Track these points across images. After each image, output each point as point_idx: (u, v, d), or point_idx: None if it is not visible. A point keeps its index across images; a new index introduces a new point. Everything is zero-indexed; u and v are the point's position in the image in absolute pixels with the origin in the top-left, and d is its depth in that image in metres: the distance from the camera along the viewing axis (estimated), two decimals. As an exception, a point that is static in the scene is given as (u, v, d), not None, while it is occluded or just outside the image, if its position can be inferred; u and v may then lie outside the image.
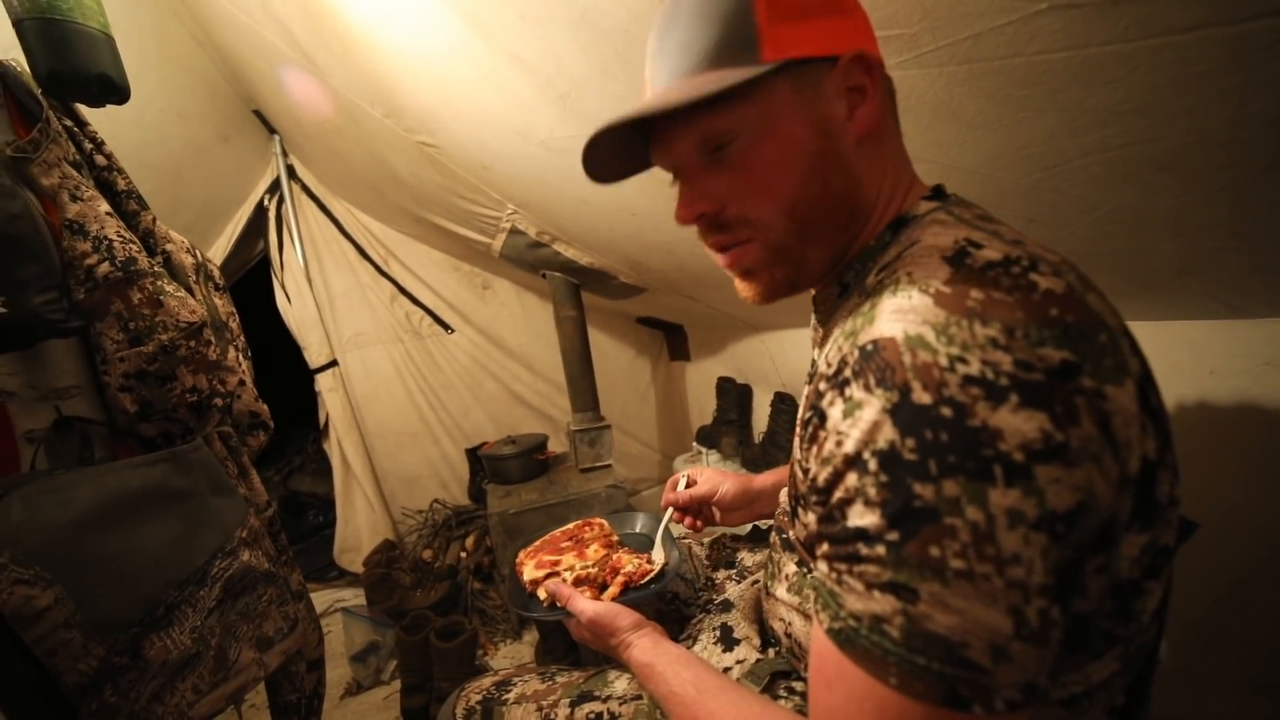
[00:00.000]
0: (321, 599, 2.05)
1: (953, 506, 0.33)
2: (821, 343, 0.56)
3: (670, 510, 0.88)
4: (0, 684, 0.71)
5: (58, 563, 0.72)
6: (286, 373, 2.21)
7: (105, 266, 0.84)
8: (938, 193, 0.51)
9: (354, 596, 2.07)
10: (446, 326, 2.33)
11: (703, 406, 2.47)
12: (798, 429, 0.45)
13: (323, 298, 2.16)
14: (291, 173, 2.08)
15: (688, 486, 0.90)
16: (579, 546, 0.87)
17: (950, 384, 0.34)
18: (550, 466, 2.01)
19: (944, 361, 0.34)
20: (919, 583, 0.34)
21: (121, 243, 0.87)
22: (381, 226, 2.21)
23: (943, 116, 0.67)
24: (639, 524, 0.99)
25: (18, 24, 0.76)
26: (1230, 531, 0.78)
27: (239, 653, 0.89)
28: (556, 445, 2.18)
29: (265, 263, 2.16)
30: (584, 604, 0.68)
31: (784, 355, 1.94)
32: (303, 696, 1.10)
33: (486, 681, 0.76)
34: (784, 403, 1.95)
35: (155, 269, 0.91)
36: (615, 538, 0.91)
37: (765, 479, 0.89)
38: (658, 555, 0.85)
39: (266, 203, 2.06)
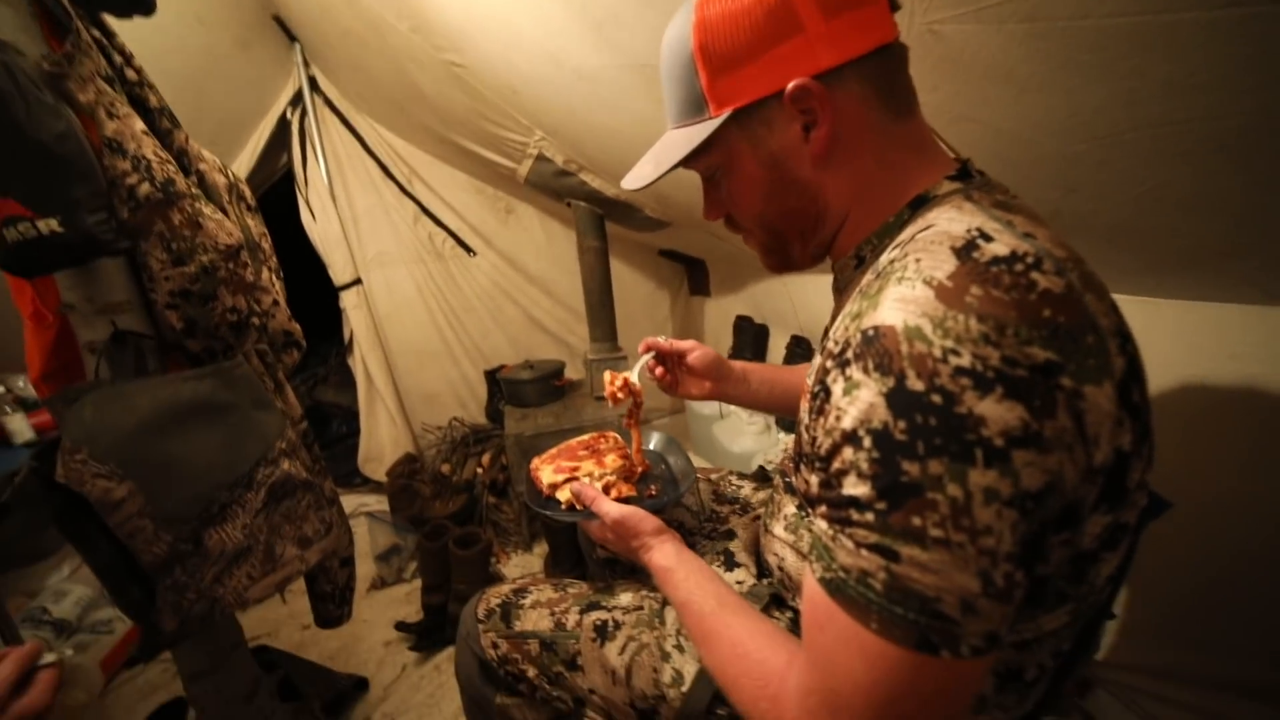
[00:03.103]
0: (347, 503, 2.20)
1: (935, 483, 0.37)
2: (835, 311, 0.58)
3: (650, 354, 0.88)
4: (93, 559, 0.81)
5: (126, 461, 0.80)
6: (310, 285, 2.25)
7: (146, 187, 0.86)
8: (964, 171, 0.51)
9: (377, 502, 2.22)
10: (469, 249, 2.34)
11: (719, 343, 2.50)
12: (805, 399, 0.48)
13: (346, 215, 2.16)
14: (314, 85, 2.02)
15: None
16: (596, 455, 0.89)
17: (942, 374, 0.37)
18: (566, 393, 2.07)
19: (938, 353, 0.37)
20: (901, 546, 0.38)
21: (159, 163, 0.88)
22: (405, 145, 2.17)
23: (994, 77, 0.64)
24: (651, 442, 1.02)
25: (47, -70, 0.74)
26: (1217, 512, 0.82)
27: (284, 549, 0.99)
28: (573, 372, 2.24)
29: (289, 177, 2.15)
30: (609, 506, 0.70)
31: (804, 298, 1.94)
32: (336, 588, 1.22)
33: (505, 588, 0.84)
34: (800, 346, 1.97)
35: (193, 190, 0.92)
36: (628, 450, 0.93)
37: (739, 364, 0.91)
38: (634, 376, 0.87)
39: (289, 115, 2.02)
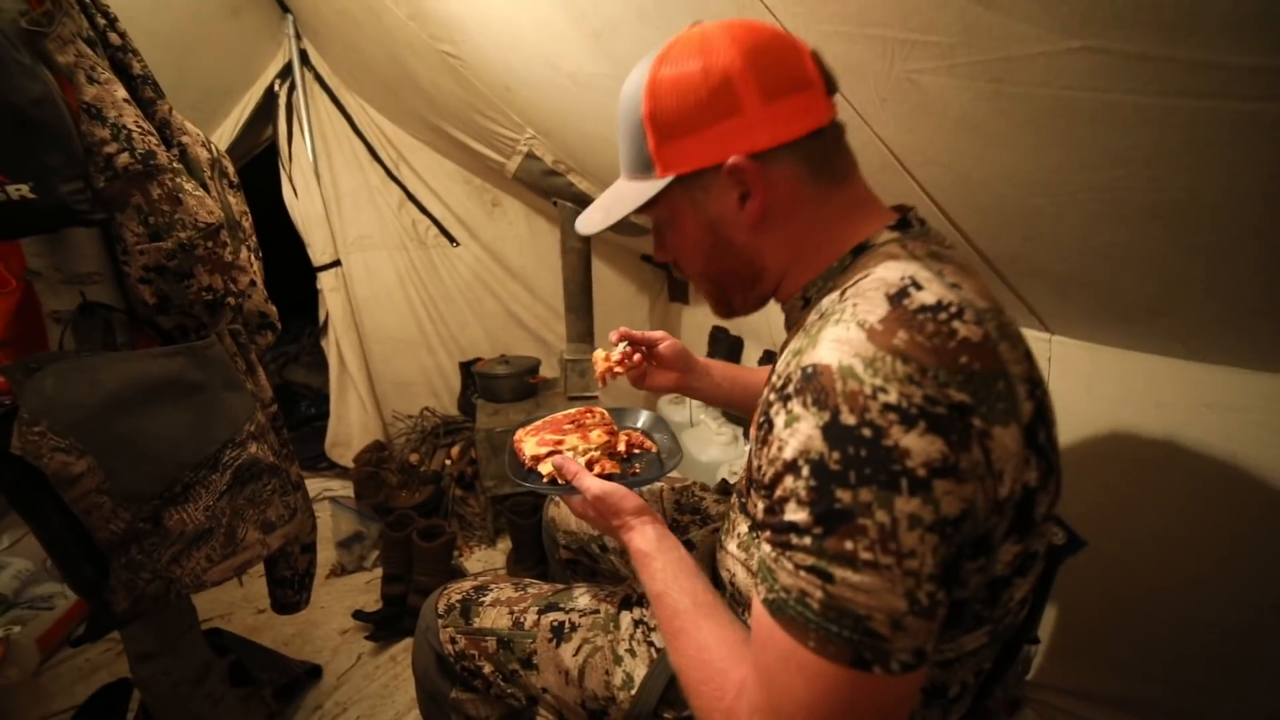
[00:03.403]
0: (311, 486, 2.15)
1: (866, 510, 0.40)
2: (782, 346, 0.61)
3: (624, 342, 0.90)
4: (43, 534, 0.80)
5: (88, 436, 0.79)
6: (285, 261, 2.19)
7: (125, 157, 0.85)
8: (903, 221, 0.55)
9: (341, 487, 2.19)
10: (452, 239, 2.32)
11: (694, 351, 2.52)
12: (753, 428, 0.51)
13: (330, 195, 2.13)
14: (304, 59, 1.99)
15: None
16: (582, 430, 0.86)
17: (872, 409, 0.40)
18: (539, 390, 2.08)
19: (868, 390, 0.41)
20: (835, 569, 0.41)
21: (140, 134, 0.87)
22: (394, 128, 2.15)
23: (965, 127, 0.68)
24: (640, 420, 0.99)
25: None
26: (1136, 549, 0.88)
27: (245, 533, 0.98)
28: (548, 370, 2.25)
29: (271, 150, 2.11)
30: (590, 481, 0.69)
31: (779, 317, 1.97)
32: (296, 573, 1.21)
33: (467, 584, 0.85)
34: (771, 361, 2.01)
35: (174, 165, 0.91)
36: (615, 427, 0.90)
37: (706, 360, 0.94)
38: (615, 355, 0.89)
39: (277, 88, 1.98)
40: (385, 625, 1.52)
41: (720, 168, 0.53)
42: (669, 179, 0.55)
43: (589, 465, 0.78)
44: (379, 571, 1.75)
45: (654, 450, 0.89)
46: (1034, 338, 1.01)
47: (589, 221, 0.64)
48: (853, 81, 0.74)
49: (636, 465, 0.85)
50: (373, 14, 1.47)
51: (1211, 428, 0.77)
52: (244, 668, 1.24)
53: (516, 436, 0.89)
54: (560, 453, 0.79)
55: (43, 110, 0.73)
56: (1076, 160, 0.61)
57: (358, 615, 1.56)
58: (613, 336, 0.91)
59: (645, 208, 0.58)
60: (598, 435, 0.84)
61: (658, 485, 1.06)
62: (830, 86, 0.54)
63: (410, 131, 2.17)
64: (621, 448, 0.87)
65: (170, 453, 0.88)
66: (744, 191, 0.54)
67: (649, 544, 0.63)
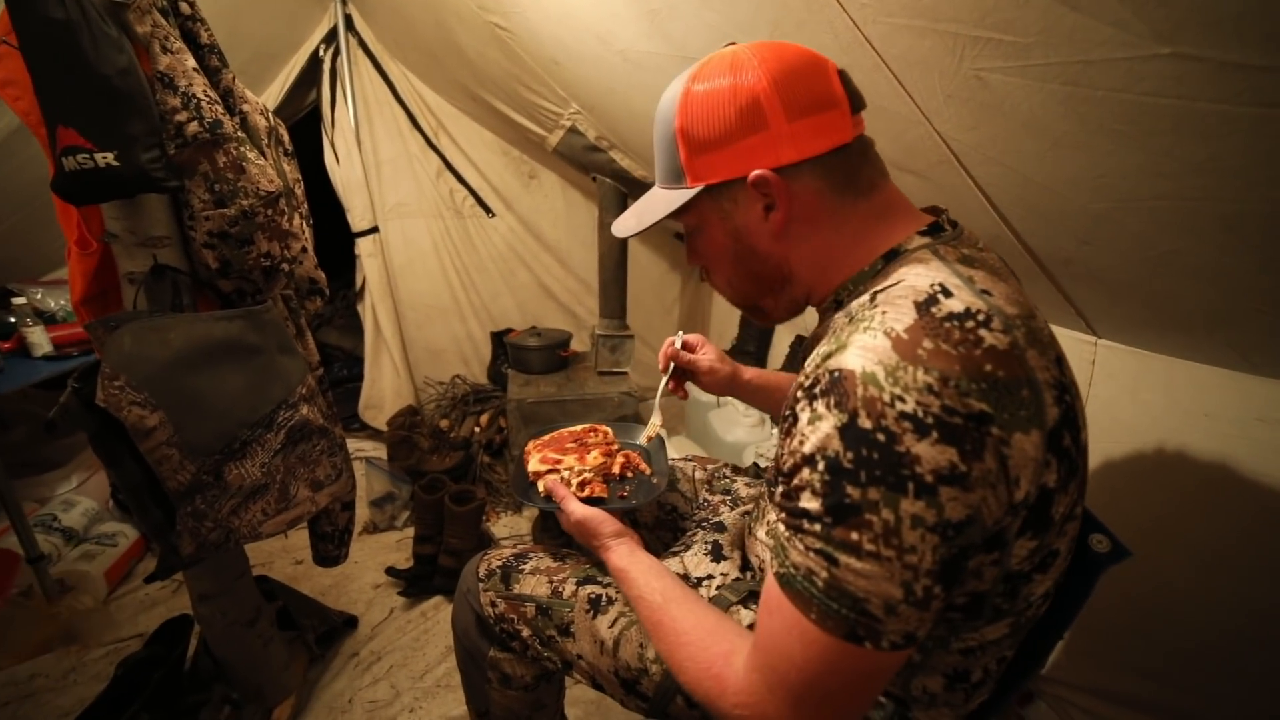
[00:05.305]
0: (347, 445, 2.25)
1: (873, 506, 0.43)
2: (808, 347, 0.63)
3: (670, 370, 0.95)
4: (120, 479, 0.86)
5: (160, 392, 0.84)
6: (321, 226, 2.23)
7: (194, 126, 0.87)
8: (934, 225, 0.57)
9: (373, 448, 2.27)
10: (488, 210, 2.34)
11: (723, 332, 2.53)
12: (781, 421, 0.53)
13: (370, 162, 2.16)
14: (349, 23, 1.99)
15: (683, 347, 0.98)
16: (581, 450, 0.93)
17: (888, 416, 0.42)
18: (569, 364, 2.11)
19: (887, 398, 0.43)
20: (840, 554, 0.44)
21: (209, 103, 0.90)
22: (435, 97, 2.15)
23: (1031, 129, 0.66)
24: (641, 438, 1.03)
25: None
26: (1170, 559, 0.88)
27: (297, 490, 1.04)
28: (578, 344, 2.27)
29: (313, 115, 2.13)
30: (575, 506, 0.78)
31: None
32: (336, 529, 1.28)
33: (506, 552, 0.89)
34: (801, 346, 2.01)
35: (238, 134, 0.94)
36: (616, 446, 0.97)
37: (741, 367, 0.98)
38: (654, 419, 0.96)
39: (322, 53, 2.00)
40: (416, 583, 1.60)
41: (745, 180, 0.55)
42: (698, 189, 0.58)
43: (582, 485, 0.85)
44: (409, 531, 1.83)
45: (648, 473, 0.94)
46: (1079, 340, 1.00)
47: (624, 226, 0.68)
48: (916, 76, 0.73)
49: (627, 487, 0.90)
50: (422, -19, 1.47)
51: (1263, 442, 0.76)
52: (289, 613, 1.32)
53: (526, 449, 0.96)
54: (558, 472, 0.87)
55: (127, 81, 0.76)
56: (1149, 167, 0.60)
57: (390, 572, 1.63)
58: (661, 361, 0.96)
59: (676, 215, 0.61)
60: (594, 458, 0.91)
61: (688, 465, 1.09)
62: (856, 105, 0.56)
63: (451, 100, 2.17)
64: (616, 469, 0.92)
65: (230, 411, 0.93)
66: (768, 203, 0.56)
67: (624, 561, 0.70)
